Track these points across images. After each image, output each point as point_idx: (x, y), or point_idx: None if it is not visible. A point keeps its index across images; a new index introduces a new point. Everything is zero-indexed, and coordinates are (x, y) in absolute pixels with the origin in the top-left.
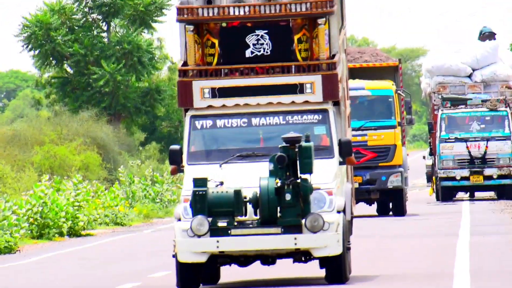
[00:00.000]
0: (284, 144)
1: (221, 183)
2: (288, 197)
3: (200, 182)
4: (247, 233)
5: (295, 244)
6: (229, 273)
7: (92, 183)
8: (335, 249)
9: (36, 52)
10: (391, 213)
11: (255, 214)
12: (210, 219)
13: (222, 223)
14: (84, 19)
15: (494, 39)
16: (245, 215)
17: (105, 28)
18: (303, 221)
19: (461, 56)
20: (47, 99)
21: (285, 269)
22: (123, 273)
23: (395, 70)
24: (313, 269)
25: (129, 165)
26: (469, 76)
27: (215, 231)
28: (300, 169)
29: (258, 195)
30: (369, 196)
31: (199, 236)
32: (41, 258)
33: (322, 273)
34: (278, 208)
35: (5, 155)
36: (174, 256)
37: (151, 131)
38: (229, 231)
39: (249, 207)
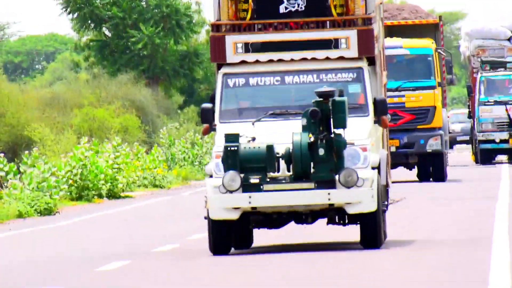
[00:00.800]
0: (317, 99)
1: (253, 139)
2: (321, 152)
3: (231, 138)
4: (279, 188)
5: (329, 199)
6: (262, 238)
7: (132, 145)
8: (370, 206)
9: (75, 15)
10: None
11: (288, 170)
12: (242, 175)
13: (254, 179)
14: None
15: None
16: (278, 171)
17: None
18: (337, 176)
19: (501, 19)
20: (86, 62)
21: (318, 233)
22: (162, 235)
23: (436, 28)
24: (347, 234)
25: (168, 128)
26: (509, 40)
27: (247, 187)
28: (333, 124)
29: (290, 150)
30: (407, 160)
31: (231, 192)
32: (80, 219)
33: (356, 237)
34: (311, 163)
35: (44, 117)
36: (206, 217)
37: (190, 94)
38: (261, 187)
39: (282, 163)
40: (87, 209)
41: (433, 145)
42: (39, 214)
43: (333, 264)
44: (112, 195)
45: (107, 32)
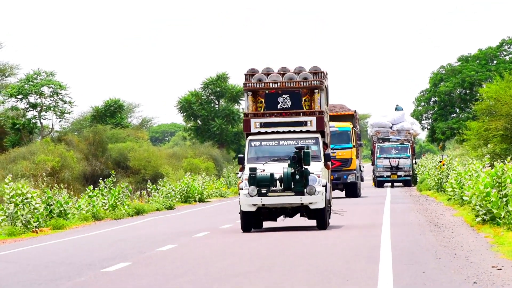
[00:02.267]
0: (296, 150)
1: (263, 170)
2: (297, 177)
3: (253, 169)
4: (276, 195)
5: (301, 199)
6: (266, 225)
7: (211, 176)
8: (321, 204)
9: (184, 114)
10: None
11: (281, 186)
12: (257, 188)
13: (264, 190)
14: (207, 100)
15: (402, 110)
16: (276, 187)
17: (217, 103)
18: (305, 189)
19: (387, 118)
20: (189, 136)
21: (296, 223)
22: (226, 219)
23: (353, 116)
24: (310, 223)
25: (227, 169)
26: (390, 127)
27: (260, 193)
28: (303, 163)
29: (282, 176)
30: (337, 186)
31: (251, 196)
32: (185, 212)
33: (314, 224)
34: (293, 182)
35: (168, 163)
36: (240, 212)
37: (238, 151)
38: (267, 194)
39: (278, 182)
40: (189, 207)
41: (351, 178)
42: (166, 209)
43: (302, 235)
44: (201, 200)
45: (199, 122)
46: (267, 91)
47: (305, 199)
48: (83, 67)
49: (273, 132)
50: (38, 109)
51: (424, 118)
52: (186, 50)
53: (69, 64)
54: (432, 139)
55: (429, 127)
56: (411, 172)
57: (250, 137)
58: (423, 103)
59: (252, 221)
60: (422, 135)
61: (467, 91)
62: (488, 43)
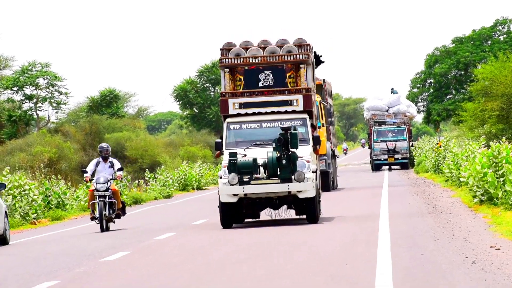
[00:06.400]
0: (281, 131)
1: (245, 155)
2: (284, 162)
3: (232, 155)
4: (260, 183)
5: (288, 187)
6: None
7: (207, 164)
8: (311, 193)
9: (180, 102)
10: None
11: (265, 173)
12: (238, 176)
13: (245, 178)
14: (203, 87)
15: (398, 93)
16: (259, 174)
17: (212, 90)
18: (293, 176)
19: (383, 101)
20: (186, 124)
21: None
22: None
23: (321, 87)
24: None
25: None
26: (387, 110)
27: (241, 182)
28: (290, 145)
29: (266, 161)
30: None
31: (232, 185)
32: (183, 200)
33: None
34: (278, 168)
35: (166, 151)
36: (219, 206)
37: None
38: (250, 182)
39: (261, 169)
40: (188, 195)
41: (320, 166)
42: (164, 198)
43: (296, 226)
44: (200, 188)
45: (195, 110)
46: (246, 67)
47: (293, 187)
48: (78, 58)
49: (254, 114)
50: (34, 100)
51: (419, 100)
52: (182, 38)
53: (64, 55)
54: (428, 121)
55: (425, 109)
56: (408, 154)
57: (228, 120)
58: (418, 85)
59: (233, 214)
60: (418, 117)
61: (462, 72)
62: (482, 24)
